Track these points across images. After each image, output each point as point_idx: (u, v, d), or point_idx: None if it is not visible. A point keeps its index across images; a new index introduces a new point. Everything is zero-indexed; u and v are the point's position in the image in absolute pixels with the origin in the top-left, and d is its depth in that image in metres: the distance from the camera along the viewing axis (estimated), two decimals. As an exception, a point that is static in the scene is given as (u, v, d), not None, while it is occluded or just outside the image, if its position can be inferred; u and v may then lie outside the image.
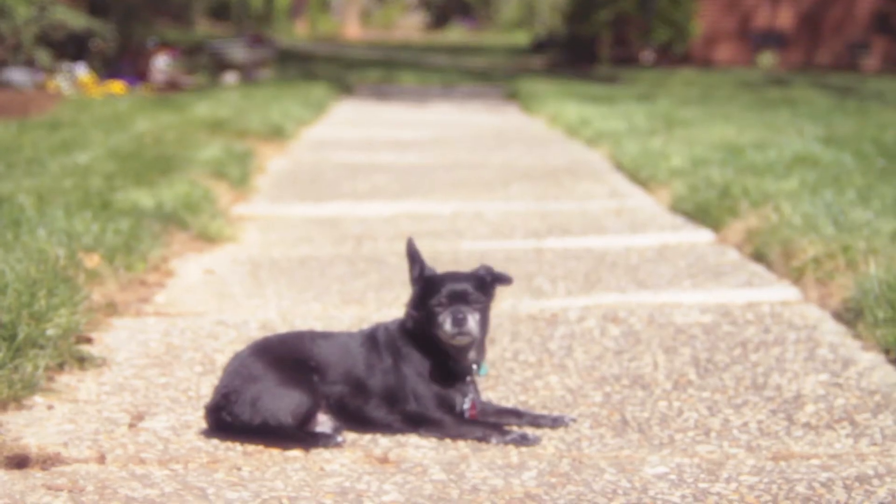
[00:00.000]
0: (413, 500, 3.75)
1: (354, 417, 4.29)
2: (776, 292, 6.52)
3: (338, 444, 4.16)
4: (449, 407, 4.30)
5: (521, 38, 54.55)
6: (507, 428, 4.32)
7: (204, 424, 4.30)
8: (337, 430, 4.23)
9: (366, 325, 5.40)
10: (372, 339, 4.36)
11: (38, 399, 4.58)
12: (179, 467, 3.98)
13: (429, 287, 4.28)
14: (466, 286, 4.25)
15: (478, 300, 4.23)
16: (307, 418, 4.19)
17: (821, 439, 4.31)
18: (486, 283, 4.30)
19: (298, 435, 4.15)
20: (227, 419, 4.18)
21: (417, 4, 69.07)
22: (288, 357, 4.26)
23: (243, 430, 4.16)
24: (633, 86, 24.86)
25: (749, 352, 5.41)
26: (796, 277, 6.69)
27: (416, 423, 4.29)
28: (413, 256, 4.38)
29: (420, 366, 4.29)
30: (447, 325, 4.19)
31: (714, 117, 15.81)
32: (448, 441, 4.26)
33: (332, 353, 4.32)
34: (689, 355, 5.36)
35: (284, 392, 4.15)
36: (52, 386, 4.74)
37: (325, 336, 4.43)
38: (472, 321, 4.20)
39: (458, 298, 4.22)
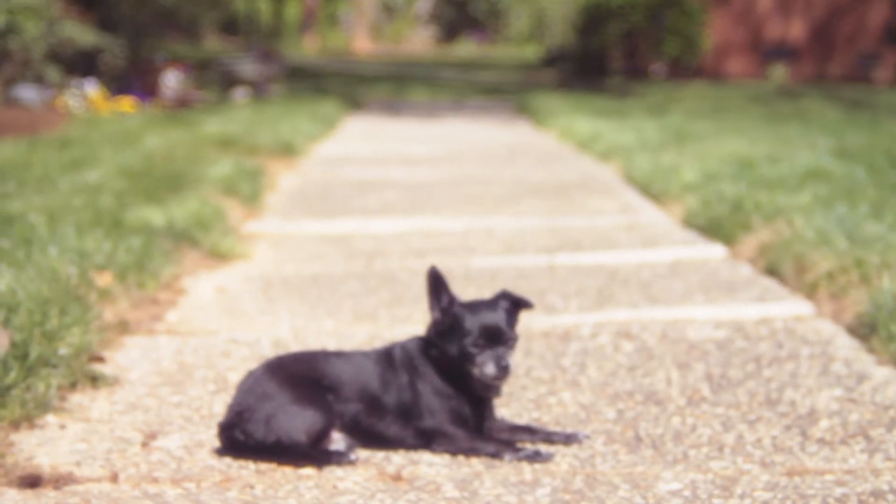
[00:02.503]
0: (426, 518, 3.74)
1: (368, 435, 4.29)
2: (789, 307, 6.50)
3: (351, 462, 4.16)
4: (462, 422, 4.29)
5: (532, 52, 54.53)
6: (520, 445, 4.32)
7: (217, 443, 4.29)
8: (350, 448, 4.23)
9: (378, 343, 5.41)
10: (388, 357, 4.36)
11: (50, 418, 4.58)
12: (192, 486, 3.97)
13: (459, 322, 4.24)
14: (500, 324, 4.23)
15: (511, 337, 4.24)
16: (321, 436, 4.18)
17: (835, 455, 4.29)
18: (512, 313, 4.29)
19: (311, 453, 4.15)
20: (241, 437, 4.17)
21: (427, 19, 69.16)
22: (302, 375, 4.25)
23: (256, 449, 4.16)
24: (644, 99, 24.86)
25: (763, 367, 5.39)
26: (809, 292, 6.67)
27: (429, 438, 4.28)
28: (439, 286, 4.29)
29: (439, 386, 4.27)
30: (488, 368, 4.18)
31: (726, 131, 15.79)
32: (461, 458, 4.25)
33: (347, 372, 4.31)
34: (703, 371, 5.34)
35: (299, 410, 4.15)
36: (64, 405, 4.74)
37: (340, 355, 4.42)
38: (512, 363, 4.23)
39: (495, 339, 4.21)
